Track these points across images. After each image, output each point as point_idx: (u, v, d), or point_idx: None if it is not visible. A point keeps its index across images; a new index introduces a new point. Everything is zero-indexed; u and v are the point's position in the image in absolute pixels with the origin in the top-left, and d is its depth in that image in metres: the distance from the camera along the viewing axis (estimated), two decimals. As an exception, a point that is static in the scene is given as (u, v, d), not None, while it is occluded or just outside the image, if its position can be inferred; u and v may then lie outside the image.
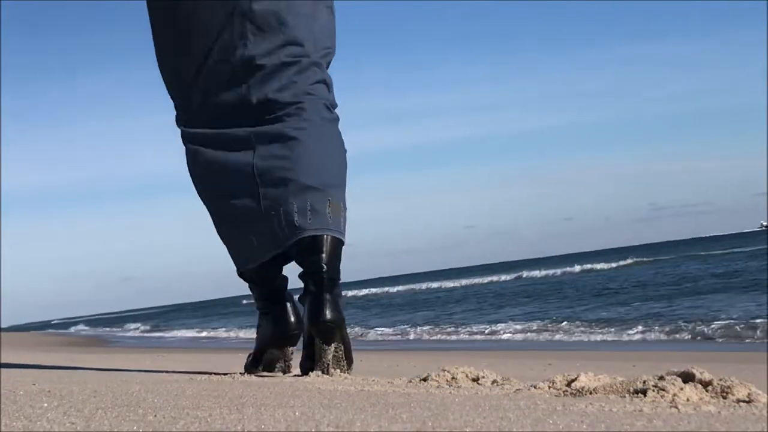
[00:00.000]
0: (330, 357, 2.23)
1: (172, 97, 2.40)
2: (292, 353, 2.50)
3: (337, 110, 2.27)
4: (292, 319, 2.37)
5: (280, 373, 2.51)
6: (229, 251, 2.35)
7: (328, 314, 2.16)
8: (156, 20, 2.32)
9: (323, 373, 2.22)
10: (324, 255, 2.14)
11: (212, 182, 2.28)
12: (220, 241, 2.36)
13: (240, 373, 2.55)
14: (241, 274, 2.40)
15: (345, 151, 2.25)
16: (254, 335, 2.58)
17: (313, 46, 2.21)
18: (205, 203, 2.35)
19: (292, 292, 2.47)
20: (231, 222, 2.27)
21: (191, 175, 2.33)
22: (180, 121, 2.37)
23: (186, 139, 2.34)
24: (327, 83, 2.27)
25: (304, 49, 2.20)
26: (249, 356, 2.56)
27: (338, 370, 2.24)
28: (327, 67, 2.29)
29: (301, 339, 2.33)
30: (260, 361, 2.50)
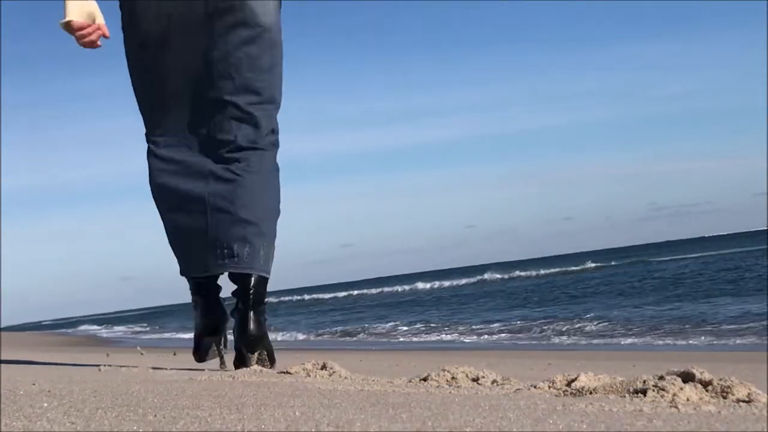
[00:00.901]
0: (254, 362, 2.61)
1: (142, 113, 2.67)
2: (224, 345, 2.81)
3: (278, 136, 2.65)
4: (218, 313, 2.70)
5: (217, 365, 2.80)
6: (176, 256, 2.67)
7: (252, 329, 2.56)
8: (130, 47, 2.61)
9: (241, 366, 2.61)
10: (252, 285, 2.56)
11: (169, 200, 2.61)
12: (168, 245, 2.69)
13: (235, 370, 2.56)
14: (182, 274, 2.71)
15: (279, 192, 2.62)
16: None
17: (269, 98, 2.59)
18: (160, 213, 2.66)
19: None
20: (183, 236, 2.61)
21: (152, 188, 2.63)
22: (149, 138, 2.65)
23: (153, 156, 2.62)
24: (275, 131, 2.63)
25: (260, 97, 2.56)
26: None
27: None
28: (276, 113, 2.64)
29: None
30: (199, 347, 2.79)
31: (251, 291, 2.55)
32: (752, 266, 20.54)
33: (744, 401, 1.66)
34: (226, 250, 2.53)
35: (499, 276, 37.46)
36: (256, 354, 2.62)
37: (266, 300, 2.62)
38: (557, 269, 36.54)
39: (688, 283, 17.26)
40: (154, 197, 2.64)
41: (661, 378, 1.78)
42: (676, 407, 1.57)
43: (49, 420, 1.45)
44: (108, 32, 2.54)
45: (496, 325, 11.97)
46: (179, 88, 2.56)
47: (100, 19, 2.54)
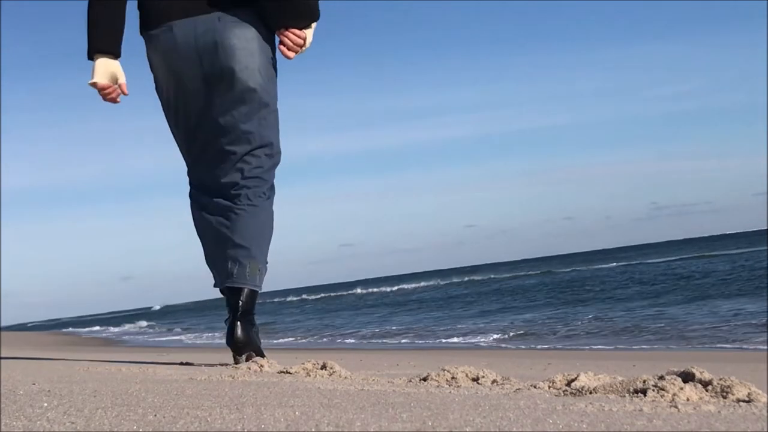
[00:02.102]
0: (243, 362, 2.95)
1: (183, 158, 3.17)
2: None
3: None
4: (238, 332, 2.97)
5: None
6: (213, 273, 3.14)
7: (239, 335, 2.94)
8: (162, 106, 3.07)
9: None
10: (242, 297, 2.97)
11: (198, 230, 3.17)
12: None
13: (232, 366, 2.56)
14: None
15: (271, 219, 3.09)
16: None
17: (261, 144, 3.00)
18: (200, 239, 3.17)
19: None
20: (208, 258, 3.14)
21: (194, 220, 3.16)
22: (189, 180, 3.15)
23: (190, 196, 3.15)
24: (273, 164, 3.08)
25: (252, 145, 2.98)
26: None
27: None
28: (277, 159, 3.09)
29: None
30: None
31: (240, 302, 2.97)
32: (752, 266, 20.54)
33: (744, 401, 1.66)
34: (227, 270, 3.02)
35: (498, 276, 37.43)
36: (244, 356, 2.97)
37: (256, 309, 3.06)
38: (557, 269, 36.52)
39: (688, 283, 17.26)
40: (195, 226, 3.18)
41: (661, 378, 1.78)
42: (676, 407, 1.57)
43: (49, 420, 1.45)
44: (127, 90, 2.97)
45: (496, 325, 11.97)
46: (196, 139, 3.04)
47: (122, 79, 2.95)
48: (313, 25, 2.93)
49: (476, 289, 27.27)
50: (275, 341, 12.47)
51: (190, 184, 3.14)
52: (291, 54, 2.92)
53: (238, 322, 2.94)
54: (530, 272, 37.43)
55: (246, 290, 2.97)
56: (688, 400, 1.67)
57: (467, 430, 1.35)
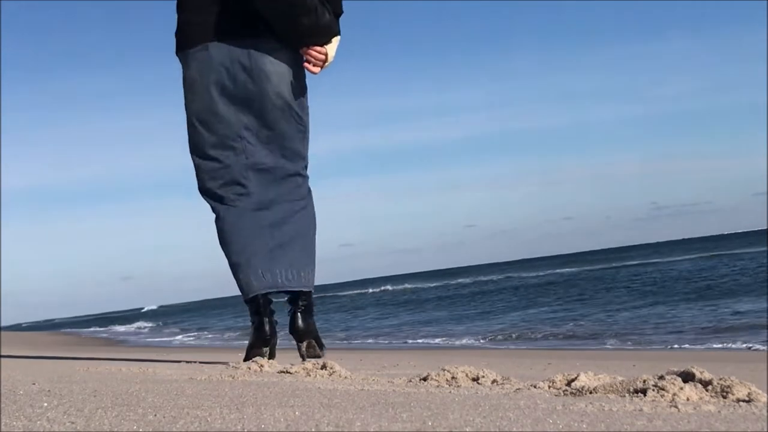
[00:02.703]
0: (304, 349, 3.22)
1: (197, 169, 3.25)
2: (266, 353, 3.21)
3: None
4: (267, 328, 3.18)
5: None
6: (239, 282, 3.21)
7: (300, 324, 3.21)
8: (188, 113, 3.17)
9: (302, 359, 3.17)
10: (303, 297, 3.22)
11: (238, 238, 3.22)
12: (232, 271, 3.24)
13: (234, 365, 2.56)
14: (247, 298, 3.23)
15: (314, 227, 3.27)
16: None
17: (300, 161, 3.20)
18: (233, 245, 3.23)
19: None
20: (254, 265, 3.17)
21: (228, 226, 3.21)
22: (210, 191, 3.24)
23: (220, 207, 3.23)
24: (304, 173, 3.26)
25: (282, 158, 3.15)
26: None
27: (313, 358, 3.11)
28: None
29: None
30: (249, 356, 3.16)
31: (301, 298, 3.21)
32: (752, 266, 20.54)
33: (744, 401, 1.65)
34: (286, 276, 3.19)
35: (499, 276, 37.42)
36: (305, 344, 3.20)
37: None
38: (557, 269, 36.53)
39: (688, 283, 17.26)
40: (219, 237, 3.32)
41: (661, 378, 1.78)
42: (676, 407, 1.57)
43: (49, 420, 1.46)
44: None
45: (496, 324, 11.97)
46: (222, 156, 3.17)
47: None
48: (335, 39, 3.08)
49: (476, 289, 27.27)
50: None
51: (210, 193, 3.21)
52: (315, 69, 3.08)
53: (299, 313, 3.19)
54: (530, 272, 37.42)
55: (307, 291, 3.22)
56: (688, 400, 1.67)
57: (467, 430, 1.35)
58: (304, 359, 3.14)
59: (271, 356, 3.19)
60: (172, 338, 17.82)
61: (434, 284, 36.90)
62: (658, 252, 53.96)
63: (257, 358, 2.97)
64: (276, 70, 3.05)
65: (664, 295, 14.68)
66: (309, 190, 3.25)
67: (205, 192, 3.20)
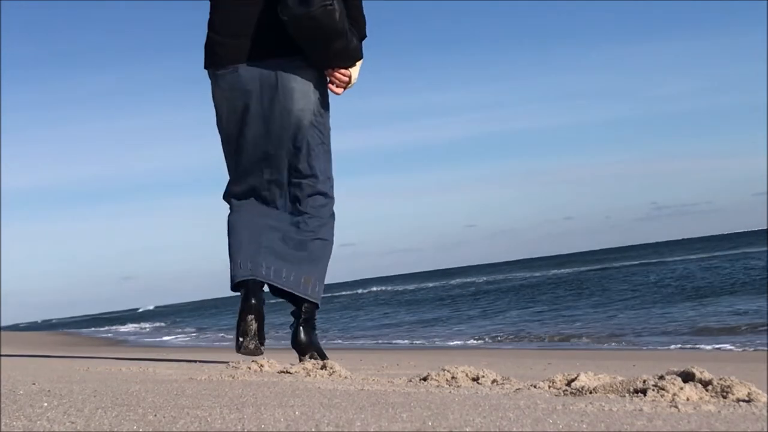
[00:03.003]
0: (307, 360, 3.14)
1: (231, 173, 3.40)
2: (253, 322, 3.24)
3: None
4: (253, 301, 3.20)
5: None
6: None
7: (302, 338, 3.26)
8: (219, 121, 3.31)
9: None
10: (304, 305, 3.27)
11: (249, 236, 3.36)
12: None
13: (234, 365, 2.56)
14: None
15: (330, 245, 3.33)
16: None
17: (326, 181, 3.30)
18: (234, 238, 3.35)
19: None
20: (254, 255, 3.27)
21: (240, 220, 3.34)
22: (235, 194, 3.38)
23: (238, 207, 3.37)
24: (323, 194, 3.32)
25: (302, 174, 3.25)
26: None
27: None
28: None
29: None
30: (239, 331, 3.21)
31: (303, 310, 3.26)
32: (752, 266, 20.54)
33: (744, 401, 1.65)
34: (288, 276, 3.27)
35: (498, 276, 37.40)
36: (307, 356, 3.20)
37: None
38: (557, 269, 36.51)
39: (687, 283, 17.26)
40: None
41: (661, 378, 1.78)
42: (676, 407, 1.57)
43: (49, 420, 1.46)
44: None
45: (496, 324, 11.97)
46: (252, 170, 3.31)
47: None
48: (358, 63, 3.24)
49: (476, 289, 27.26)
50: (276, 341, 12.48)
51: (234, 195, 3.37)
52: (339, 91, 3.24)
53: (301, 327, 3.26)
54: (530, 272, 37.40)
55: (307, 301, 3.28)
56: (688, 400, 1.67)
57: (467, 430, 1.35)
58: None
59: (260, 339, 3.21)
60: (172, 338, 17.82)
61: (434, 284, 36.88)
62: (657, 252, 53.95)
63: (257, 358, 2.98)
64: (301, 88, 3.18)
65: (664, 295, 14.67)
66: (332, 214, 3.32)
67: (227, 197, 3.37)
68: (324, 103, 3.25)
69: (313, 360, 3.10)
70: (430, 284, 37.11)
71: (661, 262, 32.68)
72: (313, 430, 1.35)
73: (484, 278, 37.13)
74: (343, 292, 40.64)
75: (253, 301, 3.17)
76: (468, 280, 37.43)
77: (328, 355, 3.21)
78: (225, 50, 3.21)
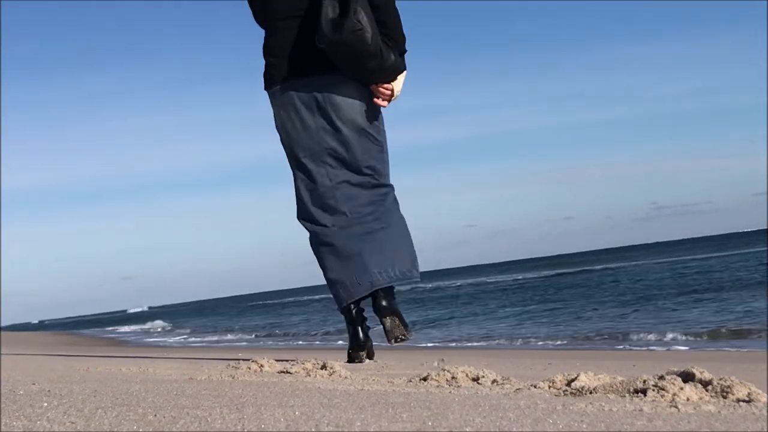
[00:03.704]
0: (389, 325, 3.49)
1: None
2: (364, 356, 3.63)
3: None
4: (361, 335, 3.58)
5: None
6: (333, 295, 3.60)
7: (383, 302, 3.49)
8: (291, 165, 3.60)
9: (387, 338, 3.54)
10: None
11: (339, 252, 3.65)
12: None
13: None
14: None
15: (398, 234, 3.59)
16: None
17: (382, 177, 3.57)
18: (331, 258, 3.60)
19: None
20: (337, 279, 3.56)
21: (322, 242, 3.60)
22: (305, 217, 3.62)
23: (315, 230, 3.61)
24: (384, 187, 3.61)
25: (362, 174, 3.51)
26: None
27: (399, 341, 3.55)
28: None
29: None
30: (351, 360, 3.58)
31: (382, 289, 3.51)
32: (752, 266, 20.54)
33: (744, 401, 1.65)
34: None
35: (498, 276, 37.39)
36: (388, 319, 3.46)
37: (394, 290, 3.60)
38: (558, 269, 36.51)
39: (687, 282, 17.26)
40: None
41: (661, 378, 1.78)
42: (676, 407, 1.57)
43: (49, 420, 1.46)
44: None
45: (496, 324, 11.97)
46: (314, 175, 3.56)
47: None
48: (401, 75, 3.50)
49: (476, 289, 27.26)
50: (276, 341, 12.49)
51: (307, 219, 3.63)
52: (383, 103, 3.50)
53: (380, 292, 3.49)
54: (530, 272, 37.41)
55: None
56: (688, 400, 1.67)
57: (467, 430, 1.35)
58: (389, 338, 3.49)
59: (370, 357, 3.63)
60: (172, 338, 17.82)
61: (434, 284, 36.87)
62: (657, 252, 53.95)
63: (257, 358, 2.99)
64: (346, 100, 3.47)
65: (663, 294, 14.67)
66: (395, 199, 3.60)
67: (301, 218, 3.60)
68: (371, 109, 3.52)
69: (396, 328, 3.47)
70: (430, 284, 37.10)
71: (661, 262, 32.68)
72: (313, 430, 1.35)
73: (484, 278, 37.12)
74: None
75: (361, 335, 3.58)
76: (468, 280, 37.42)
77: (328, 356, 3.25)
78: (277, 70, 3.52)
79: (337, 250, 3.50)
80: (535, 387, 2.00)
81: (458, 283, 34.92)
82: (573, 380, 2.01)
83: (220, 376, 2.45)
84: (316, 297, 38.18)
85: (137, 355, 5.43)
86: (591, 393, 1.82)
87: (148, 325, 28.90)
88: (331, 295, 3.59)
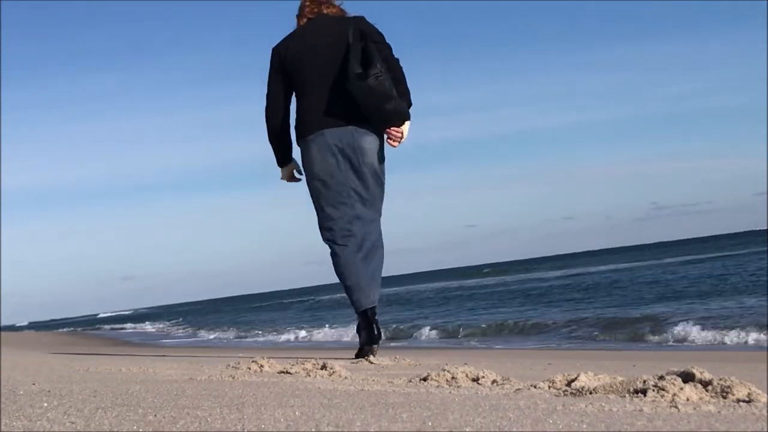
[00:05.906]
0: (375, 351, 4.20)
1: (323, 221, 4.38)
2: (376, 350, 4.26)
3: None
4: (375, 332, 4.27)
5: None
6: (352, 300, 4.36)
7: (376, 333, 4.29)
8: (308, 180, 4.34)
9: (367, 355, 4.14)
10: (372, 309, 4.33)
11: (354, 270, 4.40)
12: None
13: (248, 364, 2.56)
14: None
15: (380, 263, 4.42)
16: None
17: (378, 213, 4.39)
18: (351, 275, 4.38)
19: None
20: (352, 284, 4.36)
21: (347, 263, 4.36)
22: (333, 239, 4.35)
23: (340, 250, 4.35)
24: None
25: (372, 209, 4.35)
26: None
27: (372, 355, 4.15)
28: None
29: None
30: (362, 354, 4.16)
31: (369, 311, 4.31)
32: (752, 266, 20.54)
33: (744, 401, 1.65)
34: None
35: (499, 276, 37.39)
36: (375, 347, 4.20)
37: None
38: (558, 269, 36.50)
39: (687, 283, 17.26)
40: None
41: (661, 378, 1.78)
42: (676, 407, 1.57)
43: (49, 420, 1.46)
44: (299, 178, 4.43)
45: (496, 324, 11.97)
46: (339, 209, 4.32)
47: (297, 168, 4.43)
48: (407, 123, 4.23)
49: (476, 290, 27.27)
50: (276, 341, 12.49)
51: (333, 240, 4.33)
52: (395, 144, 4.27)
53: (374, 324, 4.26)
54: (530, 272, 37.42)
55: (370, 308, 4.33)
56: (688, 400, 1.67)
57: (467, 430, 1.35)
58: (367, 354, 4.11)
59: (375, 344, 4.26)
60: (172, 338, 17.81)
61: (434, 284, 36.87)
62: (658, 252, 53.96)
63: (257, 358, 3.00)
64: (370, 147, 4.22)
65: (663, 295, 14.67)
66: (380, 232, 4.36)
67: (326, 239, 4.29)
68: (382, 157, 4.31)
69: (373, 351, 4.17)
70: (430, 285, 37.10)
71: (661, 262, 32.68)
72: (313, 430, 1.36)
73: (484, 278, 37.12)
74: (343, 293, 40.56)
75: (375, 332, 4.27)
76: (468, 280, 37.43)
77: (328, 356, 3.28)
78: (312, 121, 4.23)
79: (352, 267, 4.26)
80: (535, 387, 2.00)
81: (458, 283, 34.93)
82: (573, 380, 2.02)
83: (220, 376, 2.45)
84: (316, 297, 38.21)
85: (137, 354, 5.43)
86: (591, 393, 1.82)
87: (148, 325, 28.90)
88: (348, 298, 4.37)
